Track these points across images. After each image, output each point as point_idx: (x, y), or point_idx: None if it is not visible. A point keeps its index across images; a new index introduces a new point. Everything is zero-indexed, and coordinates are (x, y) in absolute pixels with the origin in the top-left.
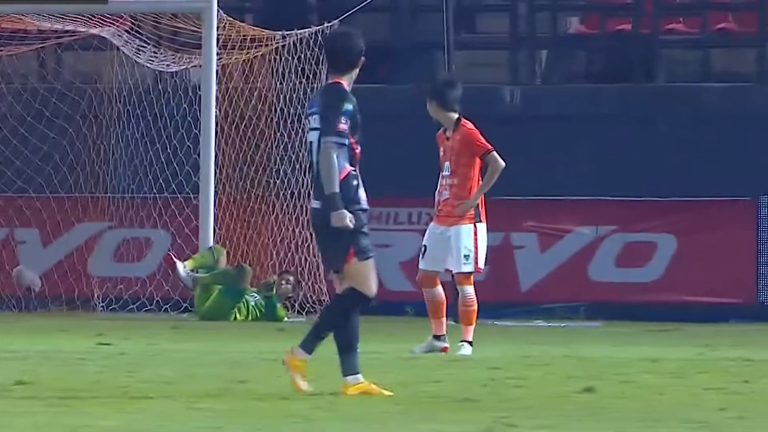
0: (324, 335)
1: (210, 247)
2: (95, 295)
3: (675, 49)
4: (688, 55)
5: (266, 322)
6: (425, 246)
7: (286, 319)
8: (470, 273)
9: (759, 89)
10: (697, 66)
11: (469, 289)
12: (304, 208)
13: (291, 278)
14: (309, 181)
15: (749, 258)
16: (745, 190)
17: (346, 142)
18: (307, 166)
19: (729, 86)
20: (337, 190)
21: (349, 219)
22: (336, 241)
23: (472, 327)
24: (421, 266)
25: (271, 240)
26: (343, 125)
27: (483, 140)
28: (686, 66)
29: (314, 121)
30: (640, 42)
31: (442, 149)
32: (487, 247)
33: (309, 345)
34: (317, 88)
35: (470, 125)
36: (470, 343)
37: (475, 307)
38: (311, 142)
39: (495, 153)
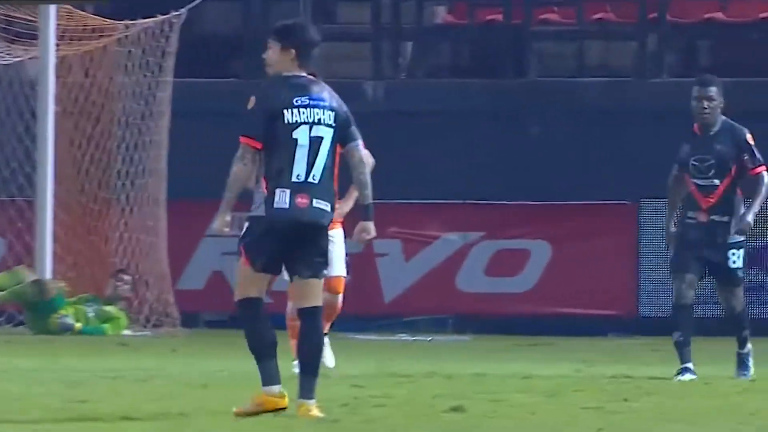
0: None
1: (13, 270)
2: None
3: (548, 42)
4: (563, 47)
5: (108, 335)
6: None
7: (126, 332)
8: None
9: (639, 84)
10: (572, 59)
11: (341, 298)
12: (150, 211)
13: (127, 277)
14: (291, 177)
15: (629, 267)
16: (625, 193)
17: None
18: (303, 162)
19: (606, 81)
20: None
21: None
22: (328, 248)
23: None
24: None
25: (114, 245)
26: None
27: None
28: (561, 59)
29: (328, 117)
30: (511, 33)
31: None
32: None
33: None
34: (165, 82)
35: None
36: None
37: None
38: (321, 138)
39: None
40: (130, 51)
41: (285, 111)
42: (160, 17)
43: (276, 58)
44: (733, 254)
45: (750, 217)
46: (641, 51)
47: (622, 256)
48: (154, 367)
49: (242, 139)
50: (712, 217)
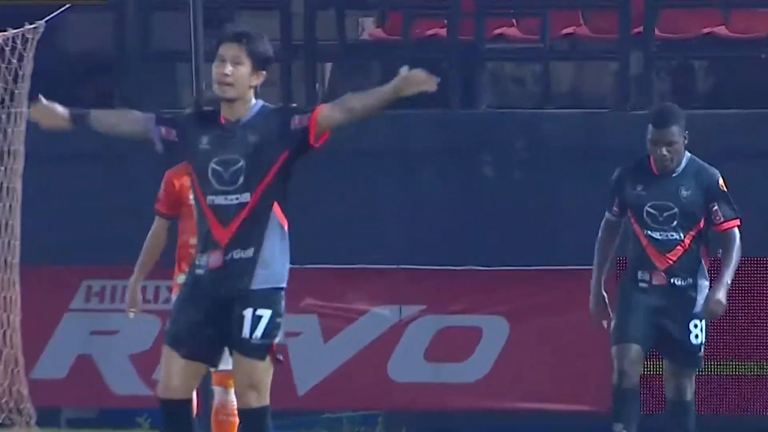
0: None
1: None
2: None
3: (506, 63)
4: (524, 70)
5: None
6: None
7: None
8: None
9: (618, 117)
10: (535, 86)
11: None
12: (0, 279)
13: None
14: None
15: (606, 349)
16: None
17: None
18: None
19: (578, 113)
20: None
21: None
22: None
23: None
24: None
25: None
26: None
27: None
28: (521, 85)
29: None
30: (459, 52)
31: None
32: None
33: None
34: (19, 113)
35: None
36: None
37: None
38: None
39: None
40: None
41: None
42: (11, 31)
43: (246, 80)
44: (696, 326)
45: (722, 295)
46: (623, 75)
47: (598, 334)
48: None
49: None
50: (673, 279)
